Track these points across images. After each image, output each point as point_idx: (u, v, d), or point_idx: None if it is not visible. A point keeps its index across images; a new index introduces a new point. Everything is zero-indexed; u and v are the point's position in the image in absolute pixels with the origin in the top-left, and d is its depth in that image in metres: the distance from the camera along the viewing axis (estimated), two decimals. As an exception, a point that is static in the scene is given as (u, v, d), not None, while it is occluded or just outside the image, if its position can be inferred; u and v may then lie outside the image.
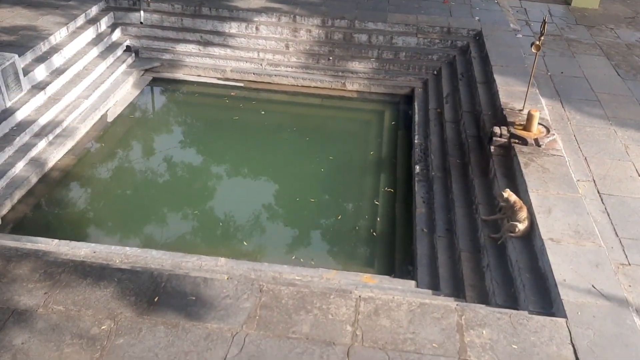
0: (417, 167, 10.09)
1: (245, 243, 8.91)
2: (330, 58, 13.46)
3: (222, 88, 13.22)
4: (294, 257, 8.56)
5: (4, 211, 8.77)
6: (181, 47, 13.64)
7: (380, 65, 13.36)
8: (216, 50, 13.59)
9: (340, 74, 13.28)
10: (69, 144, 10.52)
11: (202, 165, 10.99)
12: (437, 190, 9.30)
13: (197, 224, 9.36)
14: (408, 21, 13.77)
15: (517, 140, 8.65)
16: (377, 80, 13.16)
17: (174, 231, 9.10)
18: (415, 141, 10.89)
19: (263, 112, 12.61)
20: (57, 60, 11.58)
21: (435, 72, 13.11)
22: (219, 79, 13.36)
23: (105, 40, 13.05)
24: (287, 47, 13.62)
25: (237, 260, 7.94)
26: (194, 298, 5.98)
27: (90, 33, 12.84)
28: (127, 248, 8.02)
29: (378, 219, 9.39)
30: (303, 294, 6.08)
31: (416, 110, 11.97)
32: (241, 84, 13.26)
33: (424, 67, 13.22)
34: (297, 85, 13.22)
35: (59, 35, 12.13)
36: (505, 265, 7.14)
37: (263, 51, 13.59)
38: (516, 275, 6.77)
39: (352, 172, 10.76)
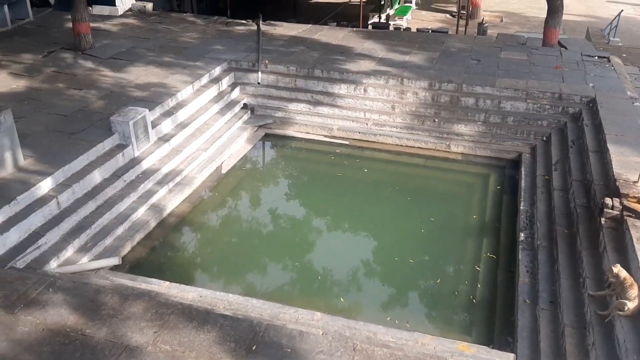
0: (522, 235, 9.83)
1: (341, 299, 9.05)
2: (436, 120, 13.61)
3: (328, 145, 13.72)
4: (389, 318, 8.56)
5: (125, 252, 9.57)
6: (293, 106, 14.41)
7: (487, 129, 13.30)
8: (325, 110, 14.21)
9: (445, 136, 13.36)
10: (186, 192, 11.35)
11: (305, 219, 11.39)
12: (542, 260, 8.99)
13: (296, 276, 9.65)
14: (517, 86, 13.67)
15: (630, 214, 8.24)
16: (483, 143, 13.09)
17: (274, 281, 9.44)
18: (521, 207, 10.64)
19: (366, 170, 12.91)
20: (181, 115, 12.67)
21: (544, 138, 12.83)
22: (325, 136, 13.91)
23: (225, 98, 14.10)
24: (393, 108, 13.96)
25: (332, 316, 8.09)
26: (289, 350, 6.19)
27: (212, 91, 13.95)
28: (230, 295, 8.44)
29: (478, 285, 9.20)
30: (397, 357, 6.10)
31: (523, 176, 11.73)
32: (346, 142, 13.70)
33: (533, 132, 12.99)
34: (401, 145, 13.44)
35: (185, 92, 13.28)
36: (612, 344, 6.73)
37: (369, 111, 14.03)
38: (623, 357, 6.36)
39: (453, 234, 10.67)
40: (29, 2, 17.95)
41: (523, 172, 11.89)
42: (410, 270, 9.69)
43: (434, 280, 9.47)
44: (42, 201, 9.14)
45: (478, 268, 9.58)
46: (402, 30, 21.17)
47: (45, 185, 9.33)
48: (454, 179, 13.11)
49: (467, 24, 22.50)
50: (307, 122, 14.15)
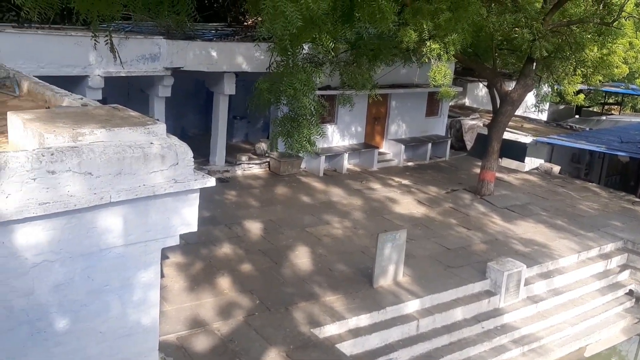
0: None
1: None
2: None
3: None
4: None
5: (461, 396, 9.51)
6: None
7: None
8: None
9: None
10: (539, 361, 10.71)
11: None
12: None
13: None
14: None
15: None
16: None
17: None
18: None
19: None
20: (558, 281, 12.18)
21: None
22: None
23: (609, 277, 13.01)
24: None
25: None
26: None
27: (598, 267, 13.06)
28: None
29: None
30: None
31: None
32: None
33: None
34: None
35: (568, 260, 12.78)
36: None
37: None
38: None
39: None
40: (449, 145, 20.43)
41: None
42: None
43: None
44: (405, 318, 9.92)
45: None
46: None
47: (412, 305, 10.13)
48: None
49: None
50: None
